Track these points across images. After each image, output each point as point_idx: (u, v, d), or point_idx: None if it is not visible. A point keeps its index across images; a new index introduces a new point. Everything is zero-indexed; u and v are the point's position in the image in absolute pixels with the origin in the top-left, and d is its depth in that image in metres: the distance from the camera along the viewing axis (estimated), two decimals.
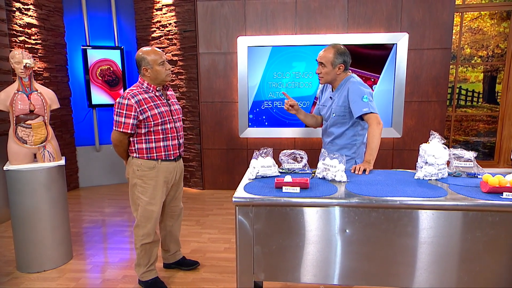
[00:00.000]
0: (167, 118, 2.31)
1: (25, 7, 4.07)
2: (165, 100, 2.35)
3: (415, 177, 1.88)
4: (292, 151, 2.03)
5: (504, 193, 1.52)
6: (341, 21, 4.31)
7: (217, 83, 4.57)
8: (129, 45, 5.08)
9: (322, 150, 1.88)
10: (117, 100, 2.22)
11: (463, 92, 5.19)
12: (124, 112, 2.19)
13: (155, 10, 4.77)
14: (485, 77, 5.00)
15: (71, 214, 3.85)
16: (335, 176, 1.80)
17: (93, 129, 5.04)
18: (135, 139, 2.30)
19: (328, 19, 4.31)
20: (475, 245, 1.53)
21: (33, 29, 4.18)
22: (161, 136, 2.31)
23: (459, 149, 1.94)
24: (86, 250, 3.12)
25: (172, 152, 2.37)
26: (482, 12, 4.76)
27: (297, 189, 1.64)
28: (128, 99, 2.18)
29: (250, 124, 4.54)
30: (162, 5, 4.67)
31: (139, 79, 2.32)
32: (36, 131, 2.71)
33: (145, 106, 2.22)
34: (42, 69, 4.31)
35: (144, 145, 2.29)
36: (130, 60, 5.12)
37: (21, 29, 4.03)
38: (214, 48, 4.51)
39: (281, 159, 2.03)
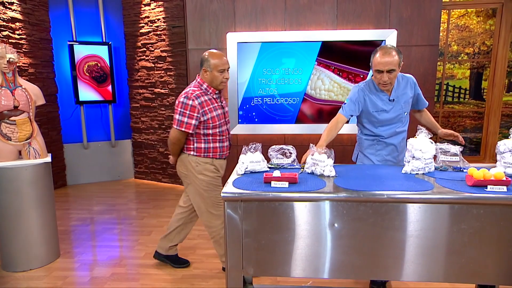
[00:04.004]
0: (222, 121, 2.39)
1: (9, 1, 3.98)
2: (220, 103, 2.41)
3: (403, 171, 1.89)
4: (281, 146, 2.03)
5: (489, 186, 1.54)
6: (330, 17, 4.31)
7: None
8: (117, 41, 5.01)
9: (311, 144, 1.89)
10: (180, 100, 2.26)
11: (450, 88, 5.26)
12: (188, 112, 2.24)
13: (143, 5, 4.71)
14: (472, 74, 5.08)
15: (58, 212, 3.80)
16: (323, 171, 1.81)
17: (81, 126, 4.96)
18: (195, 138, 2.36)
19: (318, 15, 4.31)
20: (461, 238, 1.55)
21: (17, 23, 4.09)
22: (217, 138, 2.39)
23: (446, 143, 1.97)
24: (73, 248, 3.08)
25: (224, 152, 2.49)
26: (468, 10, 4.83)
27: (285, 184, 1.64)
28: (193, 99, 2.23)
29: (240, 120, 4.52)
30: (150, 1, 4.62)
31: (199, 79, 2.35)
32: (20, 128, 2.65)
33: (206, 108, 2.28)
34: (27, 65, 4.22)
35: (202, 145, 2.37)
36: (118, 56, 5.06)
37: (4, 23, 3.94)
38: (203, 44, 4.47)
39: (270, 155, 2.03)
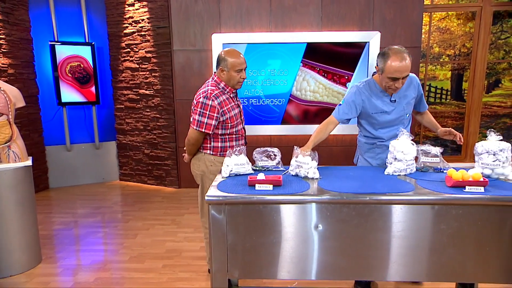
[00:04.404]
0: (238, 120, 2.37)
1: None
2: (236, 102, 2.38)
3: (385, 173, 1.93)
4: (265, 148, 2.03)
5: (467, 187, 1.58)
6: (315, 19, 4.35)
7: (192, 81, 4.52)
8: (100, 41, 4.93)
9: (295, 147, 1.90)
10: (200, 100, 2.20)
11: (433, 89, 5.37)
12: (208, 113, 2.19)
13: (127, 6, 4.65)
14: (453, 75, 5.20)
15: (40, 216, 3.72)
16: (307, 173, 1.83)
17: (64, 128, 4.87)
18: (212, 137, 2.32)
19: (303, 17, 4.35)
20: (441, 238, 1.59)
21: None
22: (234, 136, 2.37)
23: (427, 145, 2.01)
24: (56, 253, 3.02)
25: None
26: (449, 13, 4.94)
27: (270, 187, 1.64)
28: (212, 100, 2.18)
29: None
30: (134, 1, 4.57)
31: (216, 78, 2.30)
32: None
33: (225, 108, 2.24)
34: (6, 66, 4.12)
35: (220, 144, 2.33)
36: (101, 57, 4.98)
37: None
38: (188, 45, 4.45)
39: (255, 157, 2.03)
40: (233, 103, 2.32)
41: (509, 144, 1.76)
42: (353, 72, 4.37)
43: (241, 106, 2.46)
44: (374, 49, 4.29)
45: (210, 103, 2.18)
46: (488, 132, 1.81)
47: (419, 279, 1.67)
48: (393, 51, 1.99)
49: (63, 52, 4.62)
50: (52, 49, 4.55)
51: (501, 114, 5.09)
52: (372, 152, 2.33)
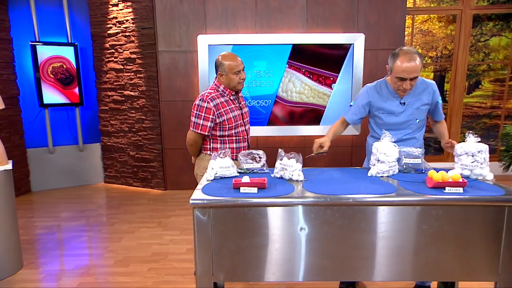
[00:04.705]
0: (239, 122, 2.39)
1: None
2: (238, 104, 2.42)
3: (369, 174, 1.95)
4: (250, 151, 2.04)
5: (447, 188, 1.62)
6: (300, 21, 4.38)
7: (177, 82, 4.49)
8: (83, 42, 4.85)
9: (279, 149, 1.91)
10: (196, 103, 2.29)
11: None
12: (203, 114, 2.27)
13: (110, 6, 4.59)
14: (435, 76, 5.30)
15: (22, 221, 3.64)
16: (292, 175, 1.84)
17: (46, 130, 4.77)
18: (211, 139, 2.39)
19: (288, 18, 4.37)
20: (423, 238, 1.62)
21: None
22: (234, 138, 2.39)
23: (409, 147, 2.05)
24: (38, 258, 2.95)
25: None
26: (431, 15, 5.04)
27: (254, 190, 1.65)
28: (208, 102, 2.26)
29: None
30: (118, 1, 4.51)
31: (216, 82, 2.38)
32: None
33: (222, 110, 2.29)
34: None
35: (219, 145, 2.38)
36: (85, 58, 4.89)
37: None
38: (174, 46, 4.42)
39: (240, 159, 2.04)
40: (232, 105, 2.36)
41: (486, 146, 1.81)
42: (338, 73, 4.42)
43: (244, 109, 2.48)
44: (358, 50, 4.35)
45: (205, 105, 2.25)
46: (467, 134, 1.85)
47: (403, 279, 1.69)
48: (403, 51, 2.00)
49: (44, 52, 4.52)
50: (33, 50, 4.45)
51: (481, 115, 5.23)
52: None
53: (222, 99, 2.32)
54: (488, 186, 1.71)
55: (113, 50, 4.69)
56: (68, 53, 4.66)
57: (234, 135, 2.38)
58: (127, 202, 4.35)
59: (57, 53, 4.59)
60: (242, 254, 1.65)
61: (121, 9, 4.52)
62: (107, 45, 4.72)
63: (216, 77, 2.38)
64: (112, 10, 4.59)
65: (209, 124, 2.28)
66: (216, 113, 2.27)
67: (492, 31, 5.08)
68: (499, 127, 5.14)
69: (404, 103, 2.17)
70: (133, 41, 4.53)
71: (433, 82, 2.20)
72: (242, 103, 2.48)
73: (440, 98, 2.22)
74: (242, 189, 1.65)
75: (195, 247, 1.65)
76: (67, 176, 4.97)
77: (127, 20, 4.51)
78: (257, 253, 1.65)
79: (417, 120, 2.20)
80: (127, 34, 4.55)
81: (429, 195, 1.60)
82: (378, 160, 1.93)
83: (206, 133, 2.31)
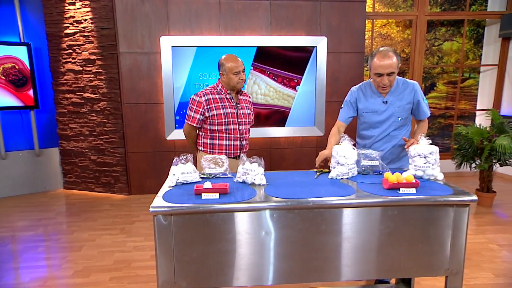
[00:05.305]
0: (231, 119, 2.51)
1: None
2: (234, 103, 2.54)
3: (329, 177, 2.00)
4: (213, 156, 2.03)
5: (401, 189, 1.70)
6: (264, 23, 4.41)
7: (140, 84, 4.38)
8: (38, 42, 4.60)
9: (241, 154, 1.91)
10: (191, 97, 2.53)
11: None
12: (194, 107, 2.49)
13: (67, 4, 4.39)
14: None
15: None
16: (254, 179, 1.85)
17: None
18: (203, 133, 2.57)
19: (252, 21, 4.38)
20: (381, 238, 1.68)
21: None
22: (224, 135, 2.52)
23: (367, 149, 2.12)
24: None
25: (232, 151, 2.56)
26: (389, 20, 5.25)
27: (216, 195, 1.64)
28: (200, 96, 2.48)
29: (177, 126, 4.44)
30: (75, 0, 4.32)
31: (217, 81, 2.58)
32: None
33: (213, 105, 2.47)
34: None
35: (208, 141, 2.54)
36: (39, 58, 4.65)
37: None
38: (136, 48, 4.30)
39: (202, 164, 2.02)
40: (226, 103, 2.51)
41: (437, 148, 1.92)
42: (302, 75, 4.50)
43: (243, 110, 2.58)
44: (321, 53, 4.44)
45: (197, 99, 2.48)
46: (419, 136, 1.95)
47: (368, 277, 1.75)
48: (380, 50, 2.17)
49: None
50: None
51: (437, 115, 5.51)
52: None
53: (216, 96, 2.50)
54: (438, 186, 1.80)
55: (71, 51, 4.49)
56: (20, 53, 4.40)
57: (224, 131, 2.50)
58: (88, 208, 4.18)
59: (8, 53, 4.32)
60: (205, 260, 1.64)
61: (78, 8, 4.33)
62: (64, 45, 4.51)
63: (219, 78, 2.57)
64: (68, 9, 4.39)
65: (198, 116, 2.48)
66: (206, 107, 2.46)
67: (445, 36, 5.37)
68: (452, 127, 5.45)
69: (387, 102, 2.29)
70: (92, 42, 4.36)
71: (415, 82, 2.34)
72: (243, 104, 2.59)
73: (422, 97, 2.33)
74: (204, 195, 1.64)
75: (156, 255, 1.62)
76: (22, 183, 4.70)
77: (85, 20, 4.33)
78: (221, 258, 1.64)
79: (399, 118, 2.30)
80: (85, 34, 4.37)
81: (385, 196, 1.66)
82: (338, 163, 1.98)
83: (195, 125, 2.51)
